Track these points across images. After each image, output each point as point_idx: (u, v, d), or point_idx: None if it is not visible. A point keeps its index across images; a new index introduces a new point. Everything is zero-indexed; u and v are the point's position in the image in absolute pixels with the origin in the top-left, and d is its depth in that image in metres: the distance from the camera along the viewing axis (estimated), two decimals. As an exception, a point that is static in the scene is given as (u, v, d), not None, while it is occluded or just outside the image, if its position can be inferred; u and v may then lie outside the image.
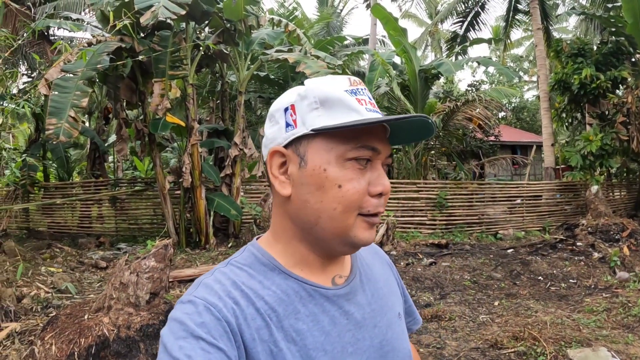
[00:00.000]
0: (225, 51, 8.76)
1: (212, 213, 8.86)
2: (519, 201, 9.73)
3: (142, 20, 5.40)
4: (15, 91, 6.42)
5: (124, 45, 7.08)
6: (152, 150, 8.45)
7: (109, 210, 9.58)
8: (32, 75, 8.68)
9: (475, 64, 22.98)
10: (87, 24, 7.06)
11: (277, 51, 8.86)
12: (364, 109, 0.72)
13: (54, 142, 6.24)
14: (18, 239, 8.10)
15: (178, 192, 9.09)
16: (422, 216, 9.47)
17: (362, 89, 0.76)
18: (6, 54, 4.84)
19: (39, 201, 9.19)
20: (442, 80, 13.34)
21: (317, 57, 8.47)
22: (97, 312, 4.26)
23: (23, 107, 5.07)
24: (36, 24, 5.91)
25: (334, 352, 0.75)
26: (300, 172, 0.74)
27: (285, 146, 0.76)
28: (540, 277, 6.74)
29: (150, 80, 7.95)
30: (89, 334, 3.84)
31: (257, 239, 0.85)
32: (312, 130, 0.72)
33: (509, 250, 8.14)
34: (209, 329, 0.67)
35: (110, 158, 12.63)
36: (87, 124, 14.30)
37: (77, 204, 9.48)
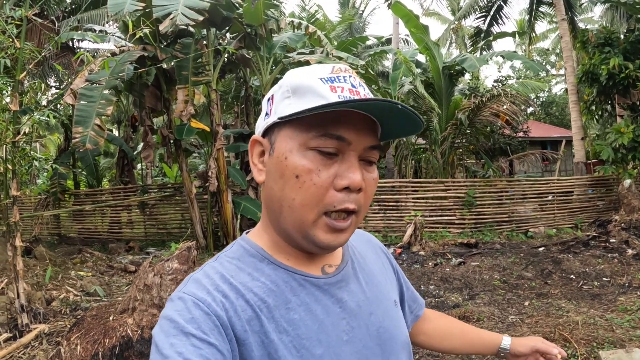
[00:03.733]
0: (247, 56, 8.84)
1: (238, 216, 8.94)
2: (550, 197, 9.41)
3: (161, 27, 5.50)
4: (45, 102, 6.66)
5: (146, 54, 7.24)
6: (178, 156, 8.60)
7: (138, 216, 9.81)
8: (61, 87, 9.01)
9: (500, 59, 22.43)
10: (111, 35, 7.27)
11: (299, 54, 8.89)
12: (335, 96, 0.68)
13: (81, 150, 6.42)
14: (50, 245, 8.38)
15: (205, 196, 9.22)
16: (450, 215, 9.27)
17: (344, 77, 0.72)
18: (30, 66, 4.99)
19: (70, 208, 9.49)
20: (467, 76, 13.09)
21: (340, 58, 8.45)
22: (122, 313, 4.35)
23: (49, 117, 5.22)
24: (60, 36, 6.10)
25: (329, 341, 0.74)
26: (269, 159, 0.74)
27: (263, 135, 0.76)
28: (572, 276, 6.49)
29: (174, 87, 8.10)
30: (113, 335, 3.94)
31: (246, 232, 0.84)
32: (278, 119, 0.72)
33: (540, 249, 7.88)
34: (199, 324, 0.66)
35: (140, 165, 12.92)
36: (115, 133, 14.72)
37: (107, 210, 9.75)
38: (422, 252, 8.32)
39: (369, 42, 13.50)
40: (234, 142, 9.78)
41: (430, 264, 7.71)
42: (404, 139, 10.08)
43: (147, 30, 4.80)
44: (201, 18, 5.65)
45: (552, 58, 27.84)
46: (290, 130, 0.72)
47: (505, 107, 8.06)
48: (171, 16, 5.34)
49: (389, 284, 0.93)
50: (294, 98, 0.71)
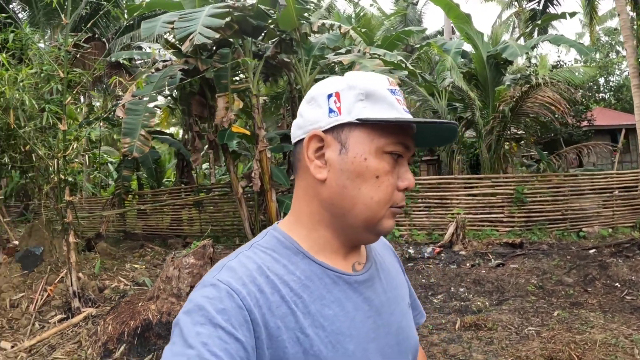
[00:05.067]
0: (286, 59, 9.12)
1: (281, 214, 9.33)
2: (616, 193, 8.42)
3: (182, 48, 5.98)
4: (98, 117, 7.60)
5: (187, 67, 7.84)
6: (226, 159, 9.20)
7: (195, 214, 10.65)
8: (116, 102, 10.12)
9: (546, 44, 19.87)
10: (158, 50, 8.01)
11: (336, 54, 8.98)
12: (402, 109, 0.77)
13: (130, 158, 7.19)
14: (115, 241, 9.48)
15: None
16: (498, 213, 8.77)
17: (398, 90, 0.80)
18: (75, 90, 5.73)
19: (134, 207, 10.66)
20: (523, 62, 12.03)
21: (377, 56, 8.40)
22: (148, 300, 4.98)
23: (91, 133, 5.94)
24: (110, 57, 6.89)
25: (359, 337, 0.76)
26: (340, 158, 0.75)
27: (325, 131, 0.77)
28: (617, 284, 5.89)
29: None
30: (137, 318, 4.57)
31: (277, 223, 0.85)
32: (357, 120, 0.74)
33: (591, 251, 7.20)
34: (230, 316, 0.65)
35: (205, 165, 13.94)
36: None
37: (168, 209, 10.75)
38: (463, 252, 8.02)
39: (426, 33, 12.99)
40: (280, 143, 10.15)
41: (467, 264, 7.43)
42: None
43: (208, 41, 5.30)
44: (217, 35, 6.02)
45: (622, 37, 24.02)
46: (366, 133, 0.75)
47: (548, 95, 7.37)
48: (190, 37, 5.78)
49: (403, 287, 0.96)
50: (368, 102, 0.75)
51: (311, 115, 0.79)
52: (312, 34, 8.44)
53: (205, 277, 0.72)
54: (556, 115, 7.81)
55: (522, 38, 10.90)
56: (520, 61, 10.88)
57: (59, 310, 5.52)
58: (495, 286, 6.50)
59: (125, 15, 9.22)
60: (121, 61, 5.50)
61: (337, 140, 0.76)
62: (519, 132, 9.17)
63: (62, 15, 5.17)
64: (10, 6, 8.25)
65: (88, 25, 5.69)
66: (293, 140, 0.82)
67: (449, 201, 9.13)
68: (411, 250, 8.30)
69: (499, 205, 8.72)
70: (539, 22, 10.72)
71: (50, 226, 6.11)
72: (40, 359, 4.45)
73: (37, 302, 5.45)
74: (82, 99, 10.77)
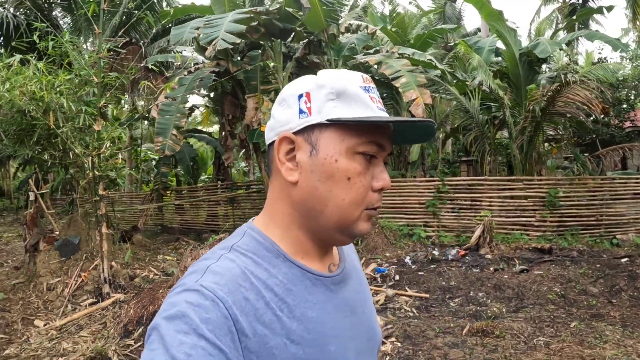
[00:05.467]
0: (316, 60, 9.27)
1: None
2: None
3: (206, 53, 6.29)
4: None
5: (218, 69, 8.19)
6: (257, 157, 9.51)
7: (229, 210, 11.07)
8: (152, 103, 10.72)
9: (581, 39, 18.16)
10: (192, 53, 8.42)
11: (364, 54, 9.02)
12: (375, 107, 0.75)
13: (162, 156, 7.64)
14: (153, 234, 10.07)
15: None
16: (529, 217, 8.44)
17: (373, 87, 0.78)
18: (108, 94, 6.20)
19: (171, 202, 11.26)
20: (564, 59, 11.32)
21: (405, 55, 8.36)
22: (169, 288, 5.38)
23: (123, 133, 6.40)
24: (146, 60, 7.35)
25: (340, 337, 0.77)
26: (310, 159, 0.74)
27: (296, 132, 0.75)
28: (644, 296, 5.54)
29: (248, 95, 8.97)
30: (156, 303, 4.99)
31: (252, 220, 0.84)
32: (327, 120, 0.73)
33: (623, 260, 6.80)
34: (214, 326, 0.62)
35: (243, 163, 14.37)
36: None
37: (204, 205, 11.24)
38: (489, 256, 7.82)
39: (467, 30, 12.61)
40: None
41: (491, 268, 7.25)
42: (486, 132, 9.39)
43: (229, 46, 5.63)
44: (238, 41, 6.27)
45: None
46: (337, 133, 0.74)
47: (578, 94, 6.96)
48: (213, 42, 6.07)
49: (367, 283, 0.97)
50: (339, 101, 0.74)
51: (282, 117, 0.77)
52: (340, 35, 8.52)
53: (186, 278, 0.69)
54: (592, 116, 7.38)
55: (560, 34, 10.35)
56: (565, 59, 10.30)
57: (91, 295, 6.03)
58: (516, 292, 6.33)
59: (158, 20, 9.78)
60: (149, 66, 5.87)
61: (307, 141, 0.75)
62: (559, 133, 8.72)
63: (95, 25, 5.60)
64: (53, 13, 8.98)
65: (120, 33, 6.15)
66: (267, 142, 0.81)
67: (479, 203, 8.91)
68: (436, 252, 8.20)
69: (531, 209, 8.40)
70: (574, 17, 10.09)
71: (87, 218, 6.65)
72: (68, 336, 4.91)
73: (71, 286, 5.98)
74: (125, 99, 11.58)
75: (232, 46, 6.16)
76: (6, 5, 8.19)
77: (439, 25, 12.72)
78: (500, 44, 8.91)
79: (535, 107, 7.56)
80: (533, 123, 7.94)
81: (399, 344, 4.84)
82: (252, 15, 6.69)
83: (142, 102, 10.81)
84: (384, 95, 10.90)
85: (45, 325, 5.11)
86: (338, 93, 0.74)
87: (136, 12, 6.02)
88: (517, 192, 8.50)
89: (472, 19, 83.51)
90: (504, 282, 6.65)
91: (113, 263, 6.58)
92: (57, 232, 6.67)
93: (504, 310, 5.83)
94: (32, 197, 6.95)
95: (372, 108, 0.75)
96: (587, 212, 8.05)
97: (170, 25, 9.24)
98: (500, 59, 9.87)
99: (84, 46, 6.66)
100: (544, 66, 9.97)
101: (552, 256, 7.34)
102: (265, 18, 7.44)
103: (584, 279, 6.32)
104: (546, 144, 9.14)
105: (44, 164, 6.54)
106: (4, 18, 7.75)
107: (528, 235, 8.38)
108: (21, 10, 8.47)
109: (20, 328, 4.96)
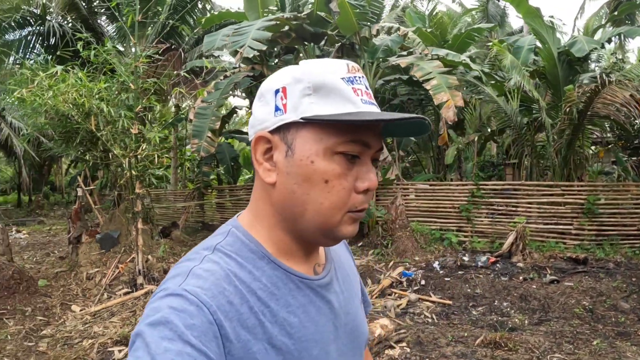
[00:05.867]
0: (350, 63, 9.33)
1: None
2: None
3: (235, 61, 6.58)
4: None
5: (252, 74, 8.49)
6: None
7: (267, 208, 11.24)
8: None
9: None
10: (229, 58, 8.76)
11: (398, 56, 8.98)
12: (359, 100, 0.69)
13: (197, 158, 8.05)
14: (193, 230, 10.56)
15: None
16: (567, 224, 8.04)
17: (359, 77, 0.72)
18: (145, 99, 6.65)
19: (212, 201, 11.74)
20: (611, 58, 10.48)
21: (439, 57, 8.26)
22: None
23: (158, 136, 6.83)
24: (185, 66, 7.77)
25: (323, 341, 0.75)
26: (286, 160, 0.71)
27: (272, 131, 0.72)
28: (678, 316, 5.18)
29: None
30: None
31: (237, 217, 0.81)
32: (302, 119, 0.68)
33: (663, 275, 6.33)
34: (200, 332, 0.61)
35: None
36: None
37: (243, 203, 11.59)
38: (520, 264, 7.56)
39: (513, 29, 12.09)
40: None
41: (520, 278, 7.02)
42: (524, 135, 9.00)
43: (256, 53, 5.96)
44: (264, 47, 6.49)
45: None
46: (314, 132, 0.69)
47: (616, 95, 6.49)
48: (241, 49, 6.34)
49: (356, 282, 0.94)
50: (316, 97, 0.68)
51: (260, 114, 0.73)
52: (372, 37, 8.54)
53: (168, 282, 0.68)
54: (632, 118, 6.88)
55: (600, 32, 9.64)
56: (612, 57, 9.63)
57: (126, 285, 6.51)
58: (541, 304, 6.12)
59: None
60: (182, 73, 6.24)
61: (283, 141, 0.70)
62: (605, 136, 8.19)
63: (131, 36, 6.03)
64: (98, 21, 9.65)
65: (154, 42, 6.55)
66: (249, 140, 0.77)
67: (514, 209, 8.62)
68: (465, 258, 8.04)
69: (569, 216, 8.00)
70: (616, 13, 9.38)
71: (126, 214, 7.18)
72: (100, 321, 5.38)
73: (108, 276, 6.50)
74: (171, 102, 12.24)
75: (257, 53, 6.39)
76: (53, 15, 8.95)
77: (483, 23, 12.30)
78: (539, 43, 8.51)
79: (572, 108, 7.18)
80: (571, 126, 7.55)
81: (407, 350, 4.86)
82: (278, 22, 6.90)
83: (185, 104, 11.41)
84: (422, 96, 10.75)
85: (81, 310, 5.61)
86: (315, 87, 0.68)
87: (170, 21, 6.40)
88: (554, 199, 8.12)
89: (517, 16, 79.17)
90: (531, 292, 6.44)
91: (149, 256, 7.05)
92: (100, 227, 7.24)
93: (525, 322, 5.67)
94: (79, 193, 7.60)
95: (355, 102, 0.68)
96: (629, 220, 7.55)
97: (212, 29, 9.69)
98: (539, 58, 9.44)
99: (132, 50, 7.13)
100: (592, 65, 9.41)
101: (587, 267, 6.99)
102: (296, 23, 7.62)
103: (616, 293, 5.99)
104: (592, 147, 8.62)
105: (86, 163, 7.12)
106: (51, 28, 8.48)
107: (564, 243, 8.00)
108: (67, 19, 9.20)
109: (59, 312, 5.50)
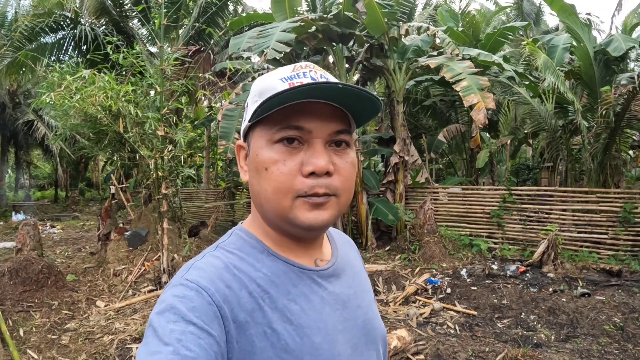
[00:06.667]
0: (380, 64, 9.20)
1: (370, 216, 9.52)
2: None
3: (258, 63, 6.59)
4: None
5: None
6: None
7: (297, 210, 11.26)
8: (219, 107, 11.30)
9: None
10: (258, 61, 8.80)
11: (428, 57, 8.77)
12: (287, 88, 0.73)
13: (224, 159, 8.15)
14: (223, 229, 10.68)
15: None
16: (602, 233, 7.64)
17: (304, 72, 0.76)
18: (171, 102, 6.79)
19: (243, 200, 11.85)
20: None
21: (469, 57, 8.02)
22: None
23: (184, 137, 6.96)
24: (214, 67, 7.88)
25: (327, 329, 0.78)
26: (248, 160, 0.81)
27: (244, 139, 0.83)
28: None
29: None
30: None
31: (242, 223, 0.88)
32: (248, 122, 0.78)
33: None
34: (201, 313, 0.66)
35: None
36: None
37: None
38: (551, 274, 7.24)
39: (549, 27, 11.55)
40: (378, 146, 10.25)
41: (550, 289, 6.73)
42: (558, 139, 8.58)
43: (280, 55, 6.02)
44: (288, 49, 6.46)
45: None
46: (259, 129, 0.77)
47: None
48: (265, 52, 6.36)
49: (368, 281, 0.99)
50: (260, 101, 0.75)
51: (243, 124, 0.83)
52: (401, 37, 8.37)
53: (174, 277, 0.75)
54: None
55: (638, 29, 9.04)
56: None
57: (151, 283, 6.69)
58: (570, 319, 5.85)
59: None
60: (207, 75, 6.33)
61: (248, 144, 0.81)
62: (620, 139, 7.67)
63: (156, 40, 6.16)
64: (130, 24, 9.88)
65: (180, 45, 6.67)
66: None
67: (547, 216, 8.26)
68: (494, 266, 7.78)
69: (604, 225, 7.59)
70: None
71: (154, 212, 7.36)
72: (122, 318, 5.54)
73: (134, 274, 6.69)
74: (205, 102, 12.45)
75: (281, 54, 6.40)
76: (85, 19, 9.24)
77: (517, 22, 11.83)
78: (574, 42, 8.07)
79: (609, 111, 6.78)
80: (608, 129, 7.14)
81: (424, 362, 4.76)
82: (303, 23, 6.87)
83: (217, 104, 11.59)
84: (455, 98, 10.46)
85: (105, 306, 5.80)
86: (260, 93, 0.77)
87: (196, 24, 6.50)
88: (588, 206, 7.73)
89: (551, 14, 75.43)
90: (560, 305, 6.16)
91: (175, 255, 7.20)
92: (129, 224, 7.46)
93: (552, 337, 5.45)
94: (112, 191, 7.85)
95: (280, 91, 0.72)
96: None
97: (242, 30, 9.77)
98: (575, 57, 8.95)
99: (162, 52, 7.31)
100: (631, 64, 8.85)
101: (620, 280, 6.62)
102: (323, 24, 7.56)
103: (652, 310, 5.63)
104: (630, 152, 8.13)
105: (114, 163, 7.34)
106: (83, 32, 8.76)
107: (598, 253, 7.62)
108: (99, 23, 9.48)
109: (84, 307, 5.71)
